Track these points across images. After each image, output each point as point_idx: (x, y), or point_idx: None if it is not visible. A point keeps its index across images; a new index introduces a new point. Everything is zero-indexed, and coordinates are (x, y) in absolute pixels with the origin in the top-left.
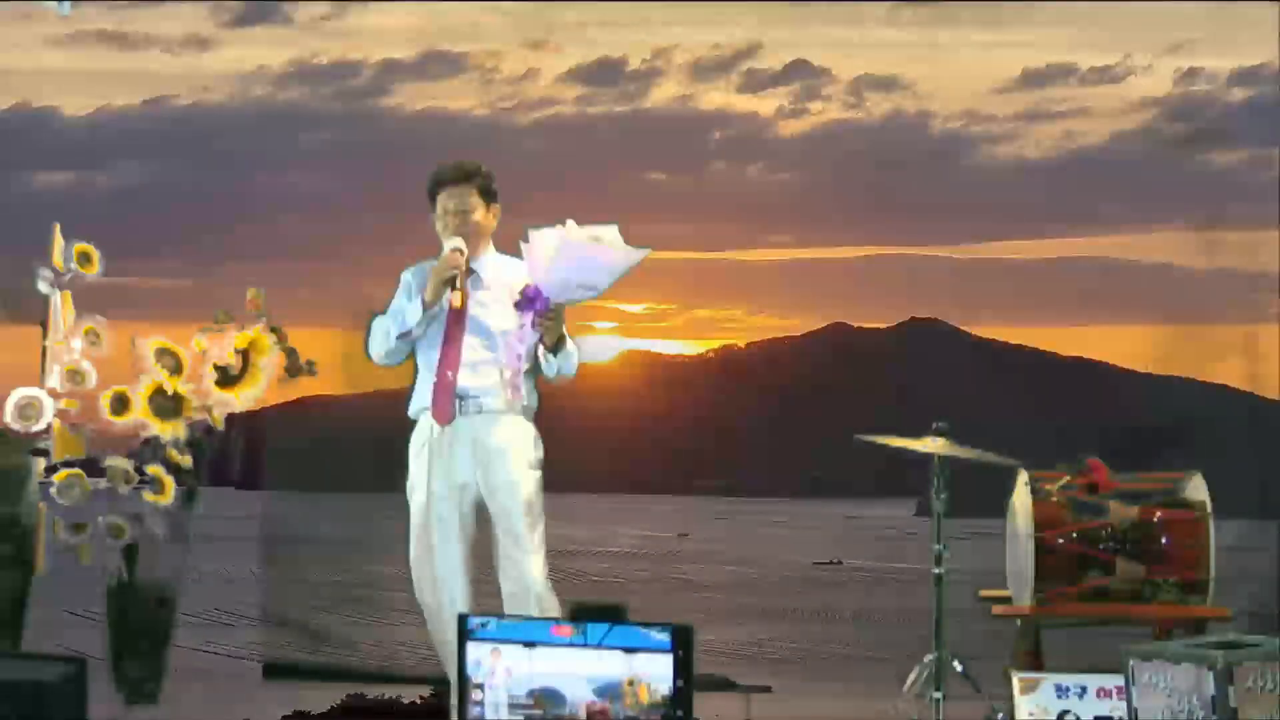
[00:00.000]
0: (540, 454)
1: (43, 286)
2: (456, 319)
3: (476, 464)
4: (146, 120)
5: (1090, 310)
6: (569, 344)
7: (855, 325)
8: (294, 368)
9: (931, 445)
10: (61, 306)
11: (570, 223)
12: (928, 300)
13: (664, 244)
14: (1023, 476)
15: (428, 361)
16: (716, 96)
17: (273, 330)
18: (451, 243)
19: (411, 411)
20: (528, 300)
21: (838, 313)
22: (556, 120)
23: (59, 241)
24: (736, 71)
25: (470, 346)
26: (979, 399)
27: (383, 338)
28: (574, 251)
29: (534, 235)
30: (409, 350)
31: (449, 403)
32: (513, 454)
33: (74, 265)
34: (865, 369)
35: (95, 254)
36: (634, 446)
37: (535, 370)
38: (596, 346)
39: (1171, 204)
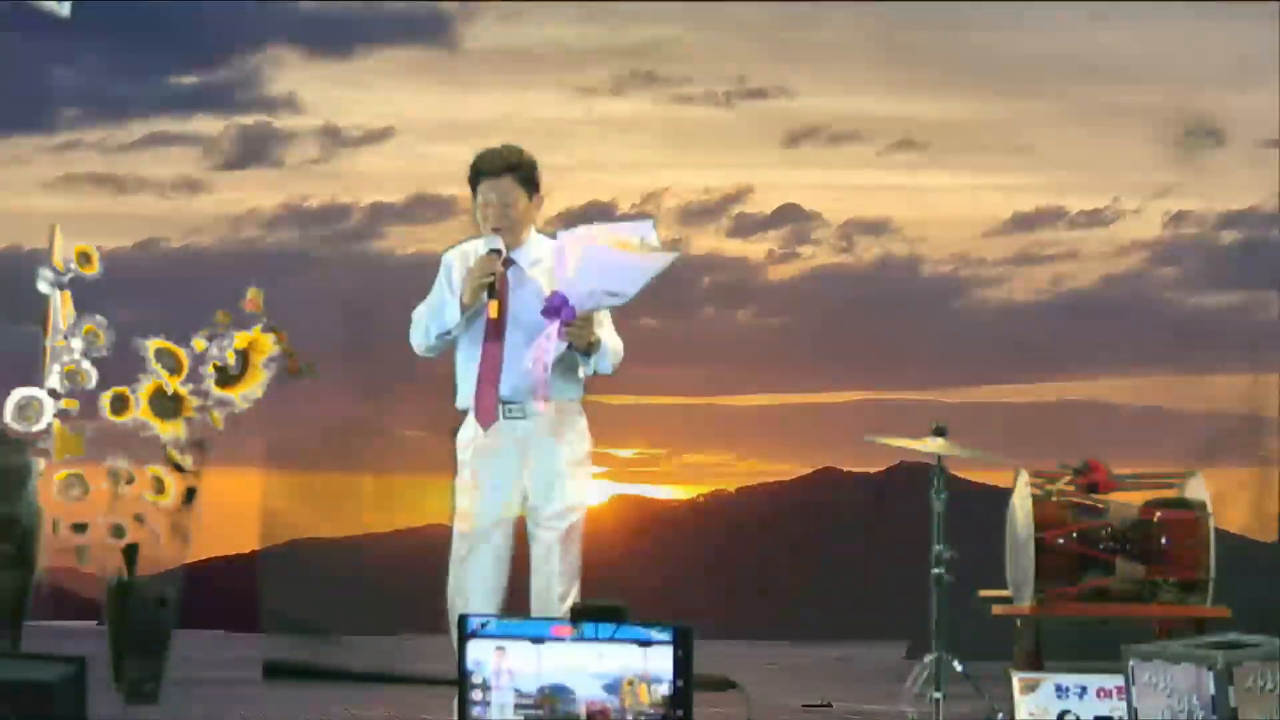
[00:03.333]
0: (588, 447)
1: (43, 286)
2: (495, 324)
3: (523, 465)
4: (139, 261)
5: (1082, 453)
6: (604, 344)
7: (845, 470)
8: (294, 368)
9: (931, 445)
10: (61, 306)
11: (599, 225)
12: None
13: (655, 389)
14: (1023, 476)
15: (468, 357)
16: (706, 240)
17: (272, 330)
18: (490, 242)
19: (459, 403)
20: (553, 309)
21: (828, 457)
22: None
23: (59, 241)
24: (726, 215)
25: (513, 345)
26: (971, 540)
27: (423, 333)
28: (601, 258)
29: (564, 236)
30: (450, 344)
31: (492, 407)
32: (560, 451)
33: (74, 265)
34: (856, 513)
35: (95, 254)
36: (624, 590)
37: (575, 363)
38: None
39: (1164, 347)
